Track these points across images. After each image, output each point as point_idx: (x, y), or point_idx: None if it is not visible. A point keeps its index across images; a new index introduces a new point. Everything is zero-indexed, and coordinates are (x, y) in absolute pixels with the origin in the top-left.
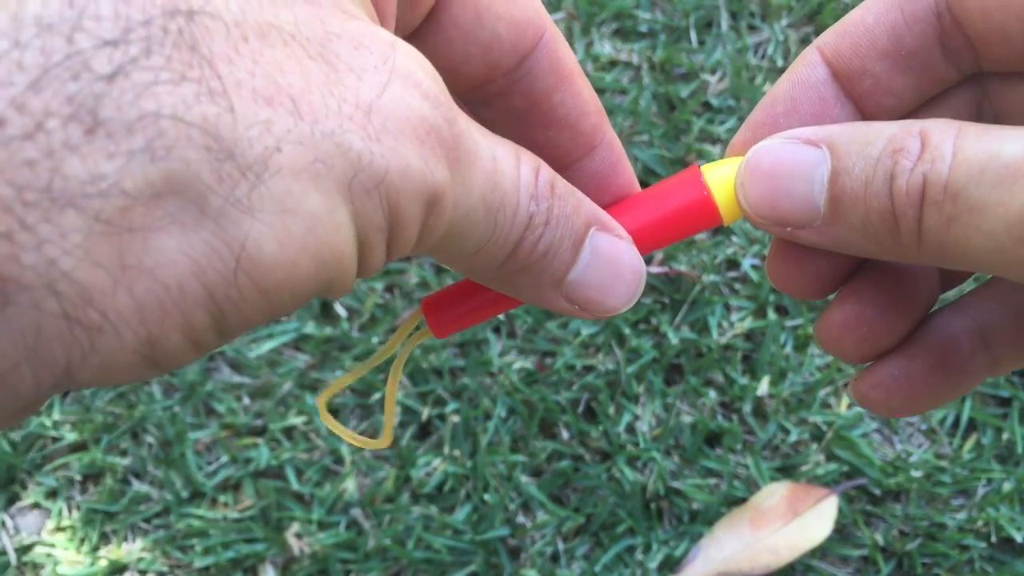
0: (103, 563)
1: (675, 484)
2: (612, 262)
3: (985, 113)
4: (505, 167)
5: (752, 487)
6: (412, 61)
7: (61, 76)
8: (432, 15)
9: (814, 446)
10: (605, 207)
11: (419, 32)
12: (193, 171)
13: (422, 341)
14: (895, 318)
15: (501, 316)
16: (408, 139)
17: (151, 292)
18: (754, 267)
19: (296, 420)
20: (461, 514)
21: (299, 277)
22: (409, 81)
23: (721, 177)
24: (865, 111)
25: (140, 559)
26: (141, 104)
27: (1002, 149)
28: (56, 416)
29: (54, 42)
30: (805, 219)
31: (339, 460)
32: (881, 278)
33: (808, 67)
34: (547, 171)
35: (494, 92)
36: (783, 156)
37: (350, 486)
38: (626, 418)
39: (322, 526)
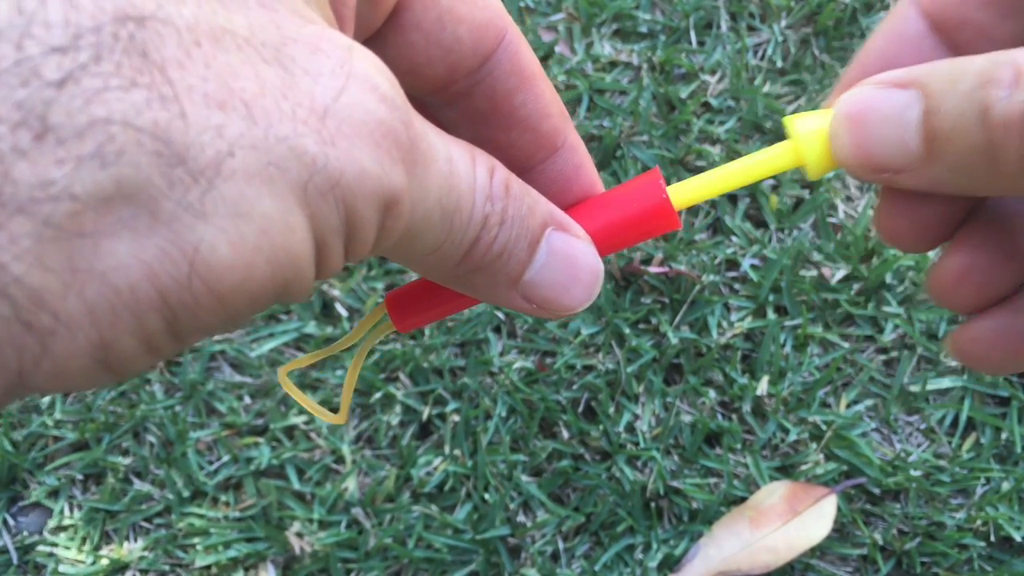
0: (104, 562)
1: (675, 483)
2: (569, 262)
3: None
4: (460, 168)
5: (751, 486)
6: (369, 65)
7: (10, 82)
8: (393, 17)
9: (813, 445)
10: (567, 209)
11: (380, 34)
12: (144, 176)
13: (386, 334)
14: (1014, 266)
15: (501, 316)
16: (364, 142)
17: (102, 296)
18: (753, 267)
19: (297, 419)
20: (461, 513)
21: (255, 280)
22: (366, 85)
23: (810, 128)
24: None
25: (141, 558)
26: (91, 110)
27: None
28: (58, 416)
29: (3, 48)
30: (901, 163)
31: (340, 460)
32: (997, 224)
33: (903, 21)
34: (502, 171)
35: (456, 93)
36: (872, 101)
37: (351, 485)
38: (626, 418)
39: (323, 525)
